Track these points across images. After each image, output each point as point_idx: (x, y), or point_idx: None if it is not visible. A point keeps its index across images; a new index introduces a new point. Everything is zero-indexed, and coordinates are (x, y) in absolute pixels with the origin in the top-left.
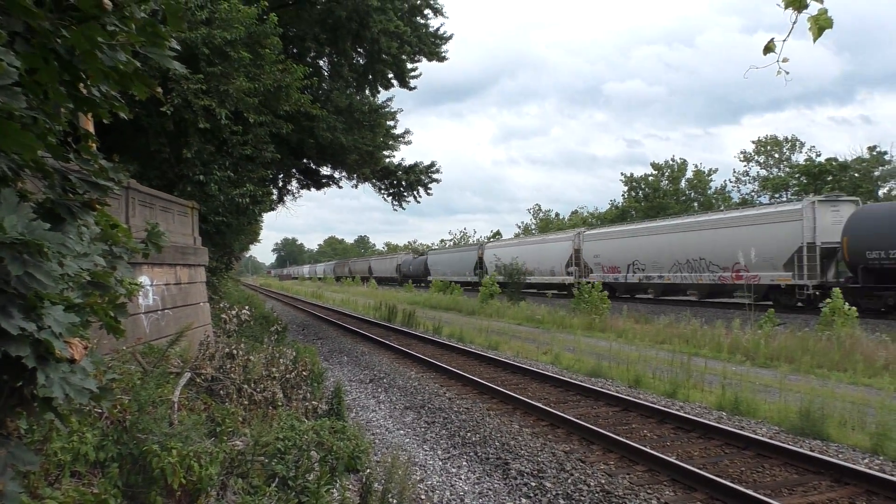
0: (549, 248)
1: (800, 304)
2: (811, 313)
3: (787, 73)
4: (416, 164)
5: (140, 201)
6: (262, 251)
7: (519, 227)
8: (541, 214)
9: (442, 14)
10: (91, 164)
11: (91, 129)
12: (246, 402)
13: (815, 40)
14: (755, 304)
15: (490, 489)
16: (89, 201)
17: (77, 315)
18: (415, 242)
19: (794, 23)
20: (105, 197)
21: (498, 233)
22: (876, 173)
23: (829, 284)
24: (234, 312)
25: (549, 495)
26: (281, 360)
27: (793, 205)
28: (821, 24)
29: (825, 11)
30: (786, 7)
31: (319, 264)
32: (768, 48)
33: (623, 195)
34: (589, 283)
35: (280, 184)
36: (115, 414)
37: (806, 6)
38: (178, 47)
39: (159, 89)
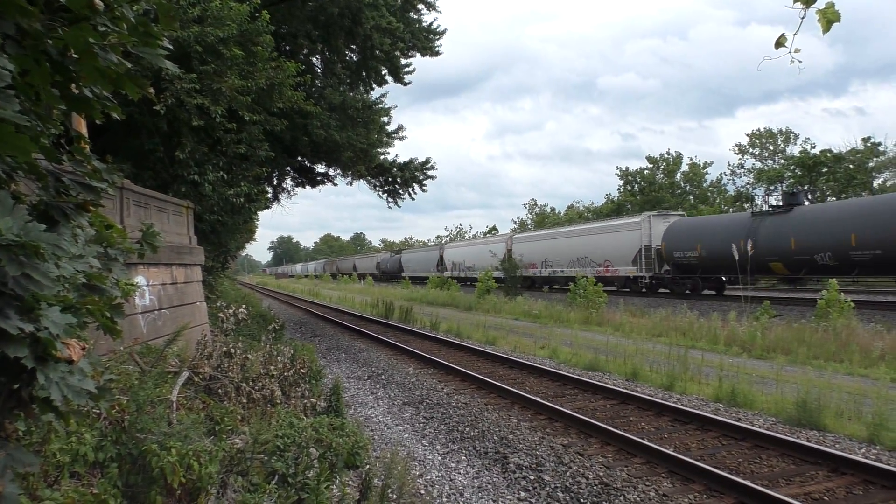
0: (489, 249)
1: (644, 289)
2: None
3: (801, 62)
4: (410, 161)
5: (135, 202)
6: (259, 250)
7: (514, 221)
8: (536, 209)
9: (435, 9)
10: (84, 166)
11: (84, 130)
12: (244, 401)
13: (824, 33)
14: (621, 290)
15: (489, 483)
16: (83, 203)
17: (74, 316)
18: (411, 239)
19: (803, 17)
20: (98, 199)
21: (494, 228)
22: (870, 164)
23: (659, 275)
24: (230, 311)
25: (547, 488)
26: (279, 357)
27: (636, 217)
28: (829, 18)
29: (833, 5)
30: (794, 1)
31: (311, 263)
32: (779, 43)
33: (619, 189)
34: (514, 276)
35: (275, 182)
36: (114, 414)
37: (814, 0)
38: (171, 47)
39: (151, 90)
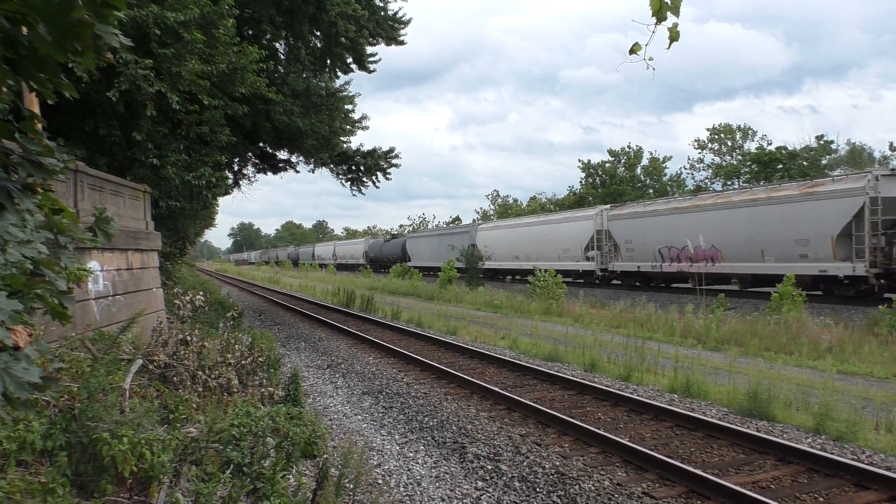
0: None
1: (361, 267)
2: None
3: (654, 69)
4: (374, 150)
5: (89, 185)
6: (219, 236)
7: (478, 212)
8: (499, 200)
9: None
10: (35, 143)
11: (36, 108)
12: (200, 389)
13: (668, 48)
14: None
15: (447, 473)
16: (31, 184)
17: (21, 301)
18: (374, 228)
19: (654, 32)
20: (50, 179)
21: (457, 218)
22: (823, 162)
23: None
24: (188, 298)
25: (504, 478)
26: (236, 346)
27: (361, 239)
28: (671, 36)
29: (676, 25)
30: (652, 15)
31: (254, 252)
32: (633, 50)
33: (581, 182)
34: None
35: (236, 168)
36: (63, 402)
37: (665, 18)
38: (124, 17)
39: (110, 55)
